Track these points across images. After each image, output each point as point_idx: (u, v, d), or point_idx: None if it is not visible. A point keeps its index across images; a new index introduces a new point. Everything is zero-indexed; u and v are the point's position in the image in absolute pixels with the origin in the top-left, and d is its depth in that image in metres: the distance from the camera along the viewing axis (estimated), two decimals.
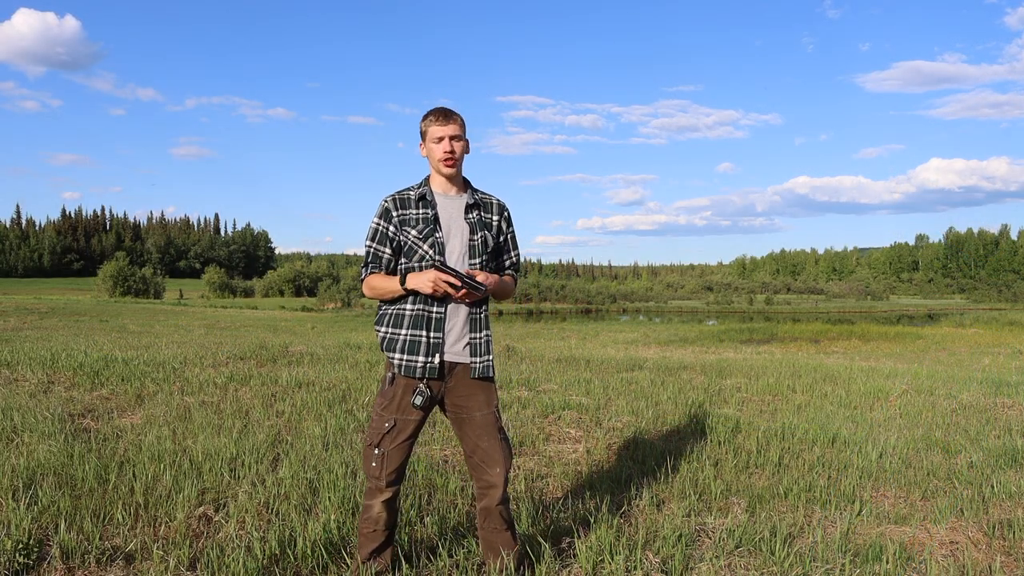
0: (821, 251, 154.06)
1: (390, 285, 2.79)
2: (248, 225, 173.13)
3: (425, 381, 2.78)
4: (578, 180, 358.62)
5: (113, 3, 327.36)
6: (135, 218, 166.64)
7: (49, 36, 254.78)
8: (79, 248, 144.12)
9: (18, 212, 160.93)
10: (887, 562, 3.15)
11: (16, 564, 2.87)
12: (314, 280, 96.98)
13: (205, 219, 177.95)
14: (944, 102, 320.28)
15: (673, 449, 5.03)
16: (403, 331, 2.79)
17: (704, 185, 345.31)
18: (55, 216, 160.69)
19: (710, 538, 3.44)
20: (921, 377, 9.46)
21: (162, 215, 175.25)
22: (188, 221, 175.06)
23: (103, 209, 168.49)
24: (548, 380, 8.15)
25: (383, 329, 2.84)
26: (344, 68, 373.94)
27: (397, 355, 2.78)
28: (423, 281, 2.70)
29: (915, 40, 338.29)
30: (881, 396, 7.68)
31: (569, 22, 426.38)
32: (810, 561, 3.15)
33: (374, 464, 2.79)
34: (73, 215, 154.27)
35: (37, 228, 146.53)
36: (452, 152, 2.80)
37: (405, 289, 2.75)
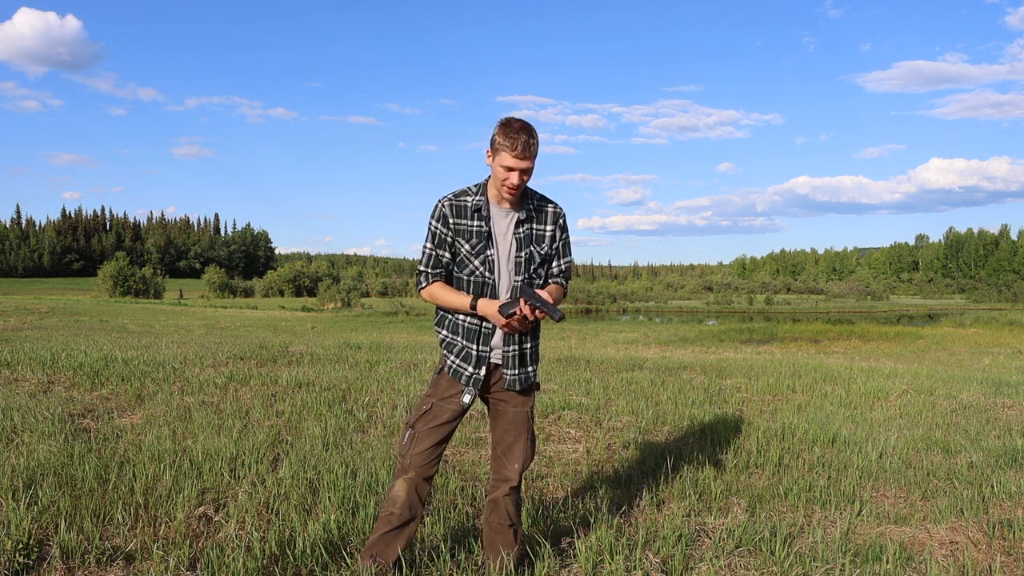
0: (821, 251, 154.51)
1: (456, 302, 2.81)
2: (248, 225, 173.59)
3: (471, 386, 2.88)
4: (578, 180, 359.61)
5: (114, 3, 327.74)
6: (135, 218, 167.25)
7: (50, 36, 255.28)
8: (79, 248, 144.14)
9: (18, 212, 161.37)
10: (887, 562, 3.15)
11: (16, 564, 2.87)
12: (314, 280, 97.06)
13: (205, 219, 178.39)
14: (945, 102, 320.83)
15: (673, 449, 5.03)
16: (459, 339, 2.89)
17: (704, 185, 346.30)
18: (55, 216, 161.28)
19: (710, 538, 3.44)
20: (921, 377, 9.46)
21: (162, 215, 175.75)
22: (188, 221, 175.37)
23: (103, 209, 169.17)
24: (548, 380, 8.14)
25: (443, 332, 2.95)
26: (344, 68, 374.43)
27: (452, 358, 2.90)
28: (494, 313, 2.73)
29: (916, 40, 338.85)
30: (881, 396, 7.68)
31: (569, 22, 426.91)
32: (810, 561, 3.15)
33: (404, 441, 2.88)
34: (73, 215, 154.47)
35: (37, 228, 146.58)
36: (517, 187, 2.78)
37: (473, 313, 2.80)
